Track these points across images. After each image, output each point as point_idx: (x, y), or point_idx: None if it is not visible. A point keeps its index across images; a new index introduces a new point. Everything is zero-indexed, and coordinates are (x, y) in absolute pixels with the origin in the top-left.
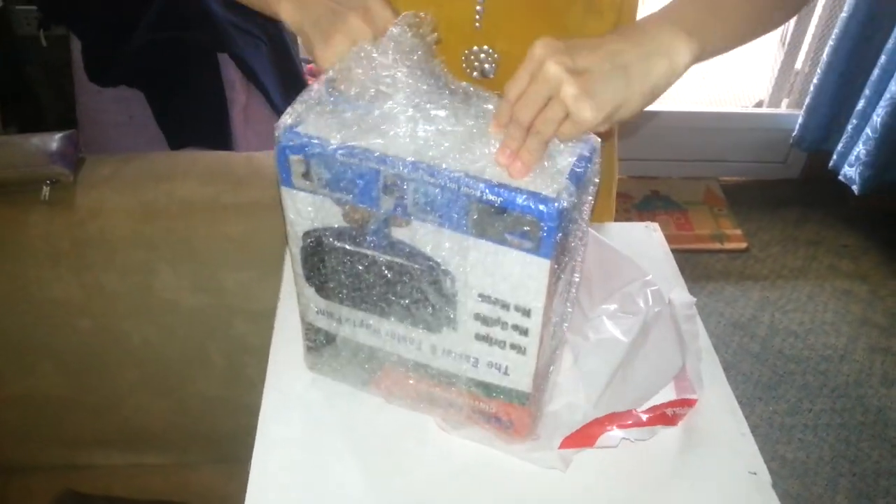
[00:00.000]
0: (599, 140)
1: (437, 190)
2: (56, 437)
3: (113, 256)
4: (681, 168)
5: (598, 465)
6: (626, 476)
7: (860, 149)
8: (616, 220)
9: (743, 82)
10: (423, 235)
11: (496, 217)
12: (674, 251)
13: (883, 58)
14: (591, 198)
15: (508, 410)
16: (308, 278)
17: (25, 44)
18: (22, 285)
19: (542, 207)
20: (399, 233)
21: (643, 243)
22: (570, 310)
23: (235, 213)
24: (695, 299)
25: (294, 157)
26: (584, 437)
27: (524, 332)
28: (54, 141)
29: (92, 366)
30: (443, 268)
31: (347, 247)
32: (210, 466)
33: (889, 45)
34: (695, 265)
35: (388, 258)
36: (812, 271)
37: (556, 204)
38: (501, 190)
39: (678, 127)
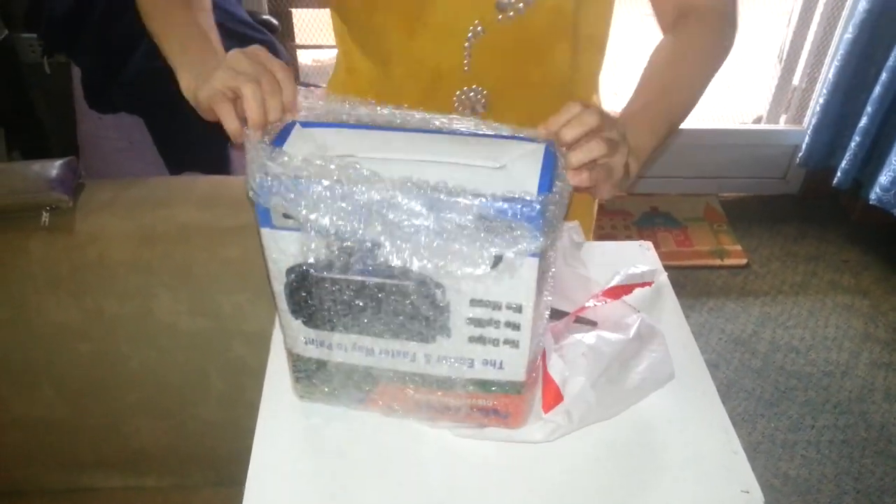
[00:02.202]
0: (553, 142)
1: (422, 209)
2: (57, 461)
3: (112, 281)
4: (680, 185)
5: (587, 482)
6: (616, 493)
7: None
8: (615, 237)
9: (740, 99)
10: (412, 254)
11: (482, 228)
12: (674, 268)
13: (884, 75)
14: (562, 189)
15: (505, 402)
16: (294, 312)
17: (30, 71)
18: (22, 310)
19: (527, 212)
20: (387, 254)
21: (637, 262)
22: (549, 297)
23: (233, 236)
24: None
25: (274, 198)
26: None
27: (517, 328)
28: (54, 168)
29: (92, 389)
30: (434, 281)
31: (336, 276)
32: (210, 489)
33: (890, 62)
34: (695, 282)
35: (379, 280)
36: (812, 287)
37: (538, 206)
38: (486, 201)
39: (677, 143)
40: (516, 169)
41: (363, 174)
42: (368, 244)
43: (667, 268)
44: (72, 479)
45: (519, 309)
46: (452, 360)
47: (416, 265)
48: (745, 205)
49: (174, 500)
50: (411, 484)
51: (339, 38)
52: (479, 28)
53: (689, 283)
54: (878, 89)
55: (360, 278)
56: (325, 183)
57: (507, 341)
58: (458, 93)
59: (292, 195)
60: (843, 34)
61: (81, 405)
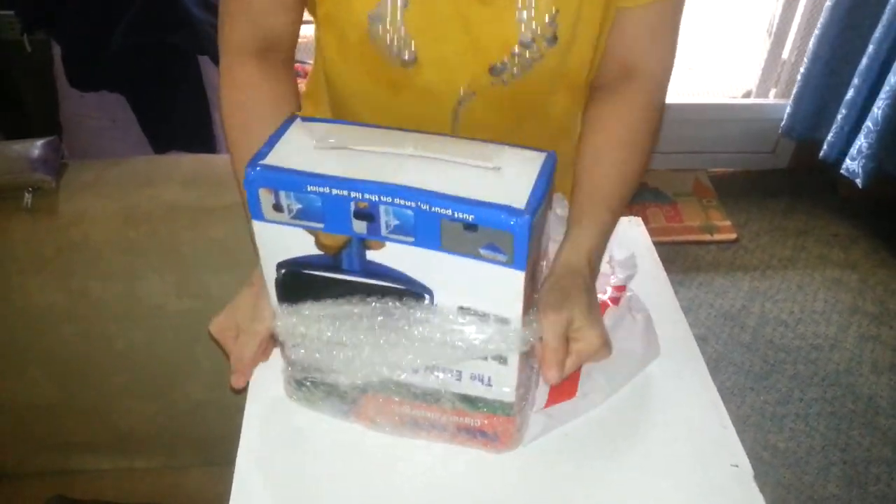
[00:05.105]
0: (555, 154)
1: (408, 211)
2: (46, 443)
3: (97, 262)
4: (670, 160)
5: (578, 459)
6: (607, 469)
7: (861, 142)
8: None
9: (730, 73)
10: (399, 256)
11: (468, 233)
12: (664, 243)
13: (871, 47)
14: (552, 204)
15: (493, 423)
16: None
17: (9, 49)
18: (6, 293)
19: (512, 221)
20: (375, 255)
21: (627, 238)
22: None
23: (219, 215)
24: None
25: (263, 190)
26: (564, 389)
27: None
28: (36, 148)
29: (79, 371)
30: (421, 285)
31: (324, 274)
32: (199, 469)
33: (877, 34)
34: (685, 257)
35: (366, 281)
36: (801, 261)
37: (525, 216)
38: (471, 207)
39: (666, 119)
40: (511, 172)
41: (353, 167)
42: (355, 241)
43: (657, 244)
44: (61, 462)
45: (506, 322)
46: (440, 370)
47: (401, 265)
48: (735, 179)
49: (164, 481)
50: (401, 467)
51: (313, 84)
52: (471, 93)
53: (679, 259)
54: (864, 61)
55: (347, 277)
56: (313, 178)
57: (494, 356)
58: None
59: (281, 187)
60: (826, 3)
61: (69, 387)
